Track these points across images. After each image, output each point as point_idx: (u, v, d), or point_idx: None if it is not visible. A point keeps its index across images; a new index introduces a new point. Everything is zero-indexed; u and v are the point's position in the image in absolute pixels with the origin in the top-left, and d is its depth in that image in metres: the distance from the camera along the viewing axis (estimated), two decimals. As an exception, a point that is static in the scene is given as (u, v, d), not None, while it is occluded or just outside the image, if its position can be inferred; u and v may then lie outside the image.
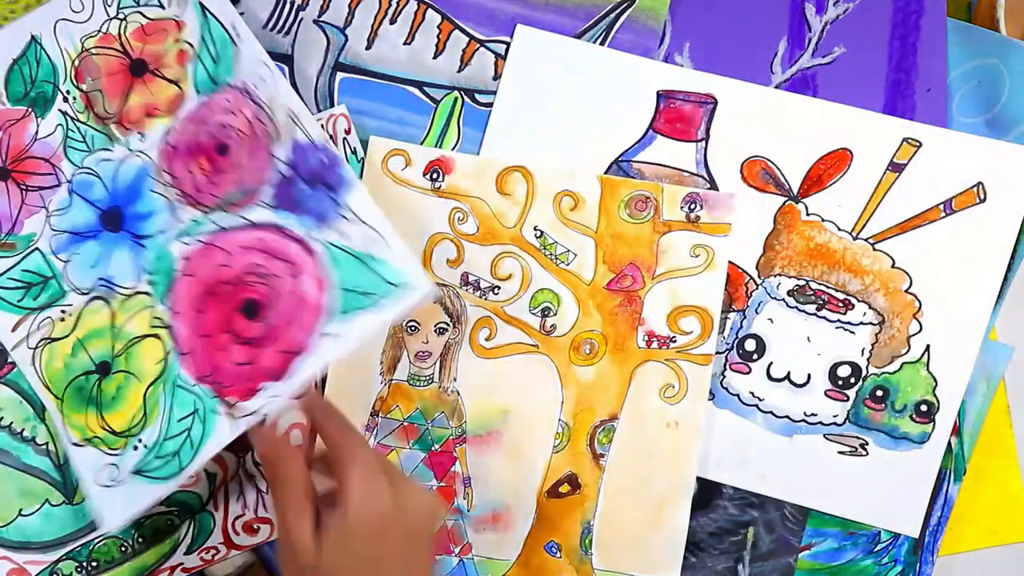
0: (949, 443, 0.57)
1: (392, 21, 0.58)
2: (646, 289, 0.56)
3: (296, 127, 0.53)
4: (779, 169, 0.57)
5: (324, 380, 0.56)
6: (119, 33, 0.56)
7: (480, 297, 0.57)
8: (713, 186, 0.57)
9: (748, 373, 0.57)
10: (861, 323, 0.57)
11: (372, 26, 0.58)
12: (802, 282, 0.57)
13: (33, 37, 0.56)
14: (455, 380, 0.57)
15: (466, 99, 0.58)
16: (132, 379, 0.52)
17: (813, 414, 0.57)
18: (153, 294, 0.53)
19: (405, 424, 0.57)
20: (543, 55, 0.58)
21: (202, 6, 0.55)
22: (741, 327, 0.57)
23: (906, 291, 0.57)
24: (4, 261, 0.54)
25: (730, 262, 0.57)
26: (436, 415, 0.57)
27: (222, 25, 0.55)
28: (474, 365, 0.56)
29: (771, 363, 0.57)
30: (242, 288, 0.51)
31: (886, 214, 0.57)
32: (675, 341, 0.56)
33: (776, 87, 0.58)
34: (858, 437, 0.57)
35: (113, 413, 0.52)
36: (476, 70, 0.58)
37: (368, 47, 0.58)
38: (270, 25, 0.57)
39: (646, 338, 0.56)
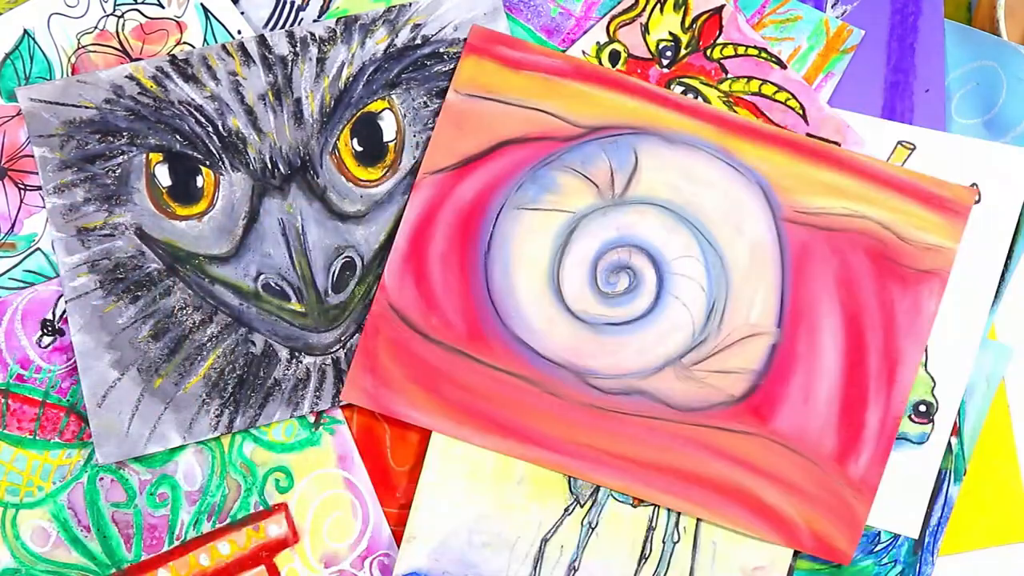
0: (949, 443, 0.57)
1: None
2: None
3: None
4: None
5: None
6: (117, 31, 0.55)
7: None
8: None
9: (748, 373, 0.57)
10: (861, 323, 0.57)
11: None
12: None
13: (26, 31, 0.55)
14: None
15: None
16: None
17: (813, 414, 0.57)
18: None
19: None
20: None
21: (204, 8, 0.55)
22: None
23: (905, 291, 0.57)
24: (4, 261, 0.54)
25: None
26: None
27: (224, 27, 0.55)
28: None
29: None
30: None
31: (884, 215, 0.57)
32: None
33: (775, 88, 0.58)
34: (858, 437, 0.57)
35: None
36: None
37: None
38: (270, 25, 0.57)
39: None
